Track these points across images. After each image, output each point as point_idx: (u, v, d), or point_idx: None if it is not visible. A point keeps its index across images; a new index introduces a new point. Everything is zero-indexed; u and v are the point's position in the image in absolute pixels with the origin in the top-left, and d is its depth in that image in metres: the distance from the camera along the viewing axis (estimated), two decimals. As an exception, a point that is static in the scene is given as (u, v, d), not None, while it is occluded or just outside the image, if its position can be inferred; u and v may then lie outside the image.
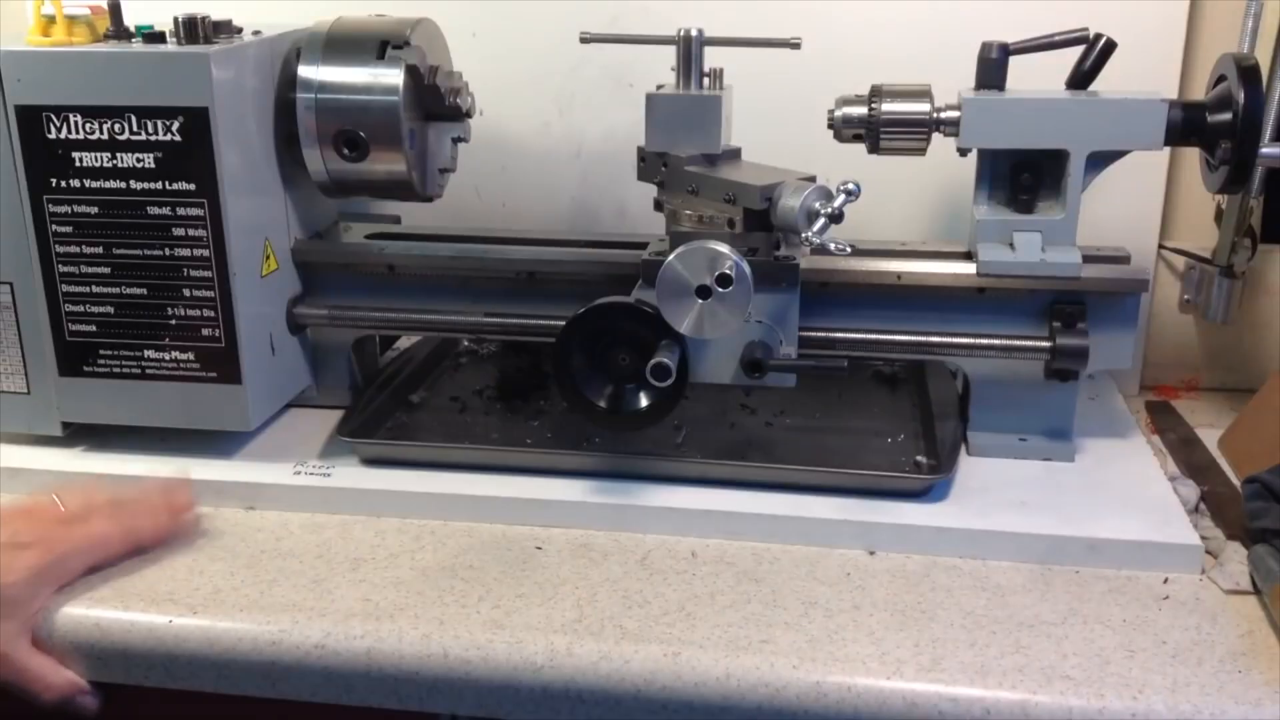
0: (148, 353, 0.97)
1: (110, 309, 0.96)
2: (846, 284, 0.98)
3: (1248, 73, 0.89)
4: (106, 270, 0.95)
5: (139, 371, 0.98)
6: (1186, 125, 0.92)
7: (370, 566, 0.87)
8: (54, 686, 0.81)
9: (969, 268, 0.97)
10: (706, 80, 0.95)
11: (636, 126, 0.94)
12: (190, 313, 0.96)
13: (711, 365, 0.92)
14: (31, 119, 0.92)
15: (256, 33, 0.99)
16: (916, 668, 0.75)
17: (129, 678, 0.82)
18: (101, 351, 0.97)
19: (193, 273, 0.95)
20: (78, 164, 0.93)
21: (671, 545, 0.90)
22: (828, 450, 1.01)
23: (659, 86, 0.96)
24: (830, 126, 0.96)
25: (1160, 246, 1.17)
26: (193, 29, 0.94)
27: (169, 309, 0.96)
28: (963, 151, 0.96)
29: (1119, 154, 0.94)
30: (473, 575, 0.86)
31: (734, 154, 0.95)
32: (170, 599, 0.83)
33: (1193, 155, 1.04)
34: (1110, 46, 0.94)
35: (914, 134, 0.95)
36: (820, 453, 1.00)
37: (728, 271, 0.84)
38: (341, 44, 0.99)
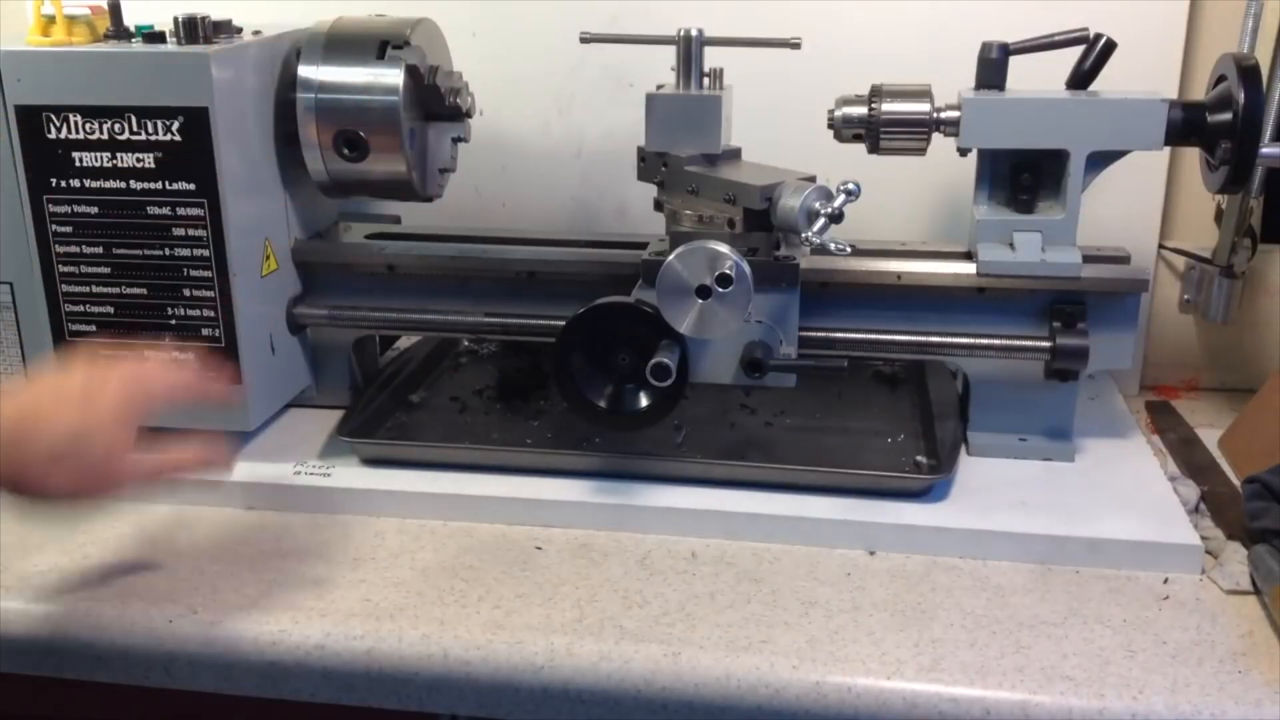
0: (148, 353, 0.97)
1: (110, 309, 0.96)
2: (846, 284, 0.98)
3: (1248, 73, 0.89)
4: (106, 270, 0.95)
5: (139, 371, 0.98)
6: (1186, 125, 0.92)
7: (370, 566, 0.87)
8: (181, 462, 0.83)
9: (969, 268, 0.97)
10: (706, 80, 0.95)
11: (636, 126, 0.94)
12: (190, 313, 0.96)
13: (711, 365, 0.92)
14: (31, 119, 0.92)
15: (256, 33, 0.99)
16: (916, 668, 0.75)
17: (129, 678, 0.81)
18: (101, 352, 0.97)
19: (193, 273, 0.95)
20: (78, 164, 0.93)
21: (671, 545, 0.90)
22: (828, 450, 1.01)
23: (659, 86, 0.96)
24: (830, 126, 0.96)
25: (1160, 246, 1.17)
26: (193, 29, 0.94)
27: (169, 309, 0.96)
28: (963, 151, 0.96)
29: (1119, 154, 0.94)
30: (473, 575, 0.86)
31: (734, 154, 0.95)
32: (170, 599, 0.83)
33: (1193, 155, 1.04)
34: (1110, 46, 0.94)
35: (914, 134, 0.95)
36: (820, 453, 1.00)
37: (728, 271, 0.84)
38: (341, 44, 0.99)
